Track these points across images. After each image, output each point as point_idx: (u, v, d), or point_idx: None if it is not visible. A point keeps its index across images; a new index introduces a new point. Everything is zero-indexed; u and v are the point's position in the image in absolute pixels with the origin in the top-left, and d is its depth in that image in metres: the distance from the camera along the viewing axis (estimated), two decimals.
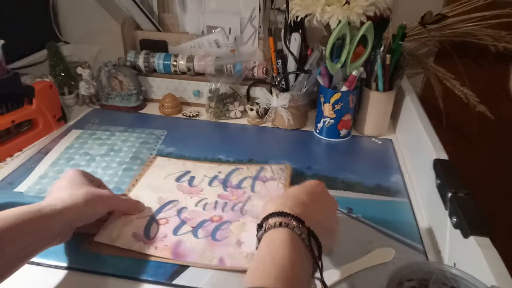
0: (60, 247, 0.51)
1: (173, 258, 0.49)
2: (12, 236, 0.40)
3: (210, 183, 0.64)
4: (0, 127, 0.71)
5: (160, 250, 0.50)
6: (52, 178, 0.66)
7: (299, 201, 0.43)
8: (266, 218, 0.41)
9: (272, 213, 0.41)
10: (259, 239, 0.41)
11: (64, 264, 0.49)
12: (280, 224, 0.39)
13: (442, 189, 0.53)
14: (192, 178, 0.65)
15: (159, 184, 0.64)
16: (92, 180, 0.54)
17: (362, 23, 0.69)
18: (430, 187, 0.57)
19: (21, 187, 0.64)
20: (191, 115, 0.89)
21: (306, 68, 0.79)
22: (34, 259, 0.49)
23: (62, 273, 0.48)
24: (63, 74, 0.91)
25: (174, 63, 0.89)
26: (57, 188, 0.50)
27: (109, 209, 0.53)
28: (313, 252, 0.39)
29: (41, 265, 0.49)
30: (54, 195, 0.48)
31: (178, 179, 0.65)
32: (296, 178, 0.67)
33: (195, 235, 0.53)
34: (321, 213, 0.45)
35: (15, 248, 0.41)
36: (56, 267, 0.49)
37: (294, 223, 0.39)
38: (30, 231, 0.42)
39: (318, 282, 0.40)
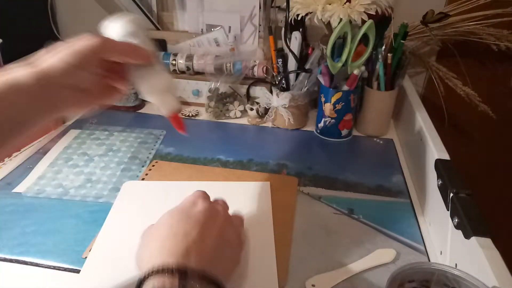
0: (60, 247, 0.51)
1: None
2: None
3: None
4: None
5: None
6: (51, 178, 0.65)
7: (179, 238, 0.38)
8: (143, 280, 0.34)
9: (150, 273, 0.34)
10: None
11: (64, 265, 0.49)
12: None
13: (443, 190, 0.53)
14: None
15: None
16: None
17: (363, 22, 0.68)
18: (431, 187, 0.57)
19: (20, 188, 0.63)
20: (191, 114, 0.88)
21: (307, 67, 0.78)
22: (34, 259, 0.49)
23: (62, 273, 0.48)
24: None
25: (173, 62, 0.89)
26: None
27: (98, 64, 0.41)
28: None
29: (40, 266, 0.49)
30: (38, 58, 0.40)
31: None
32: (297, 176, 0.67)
33: None
34: (211, 241, 0.40)
35: None
36: (55, 267, 0.49)
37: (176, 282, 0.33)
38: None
39: None
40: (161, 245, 0.38)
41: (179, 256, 0.36)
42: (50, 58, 0.39)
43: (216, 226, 0.42)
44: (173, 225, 0.41)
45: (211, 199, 0.49)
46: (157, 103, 0.48)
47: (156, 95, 0.47)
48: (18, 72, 0.38)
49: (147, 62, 0.44)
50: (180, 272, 0.34)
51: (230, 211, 0.49)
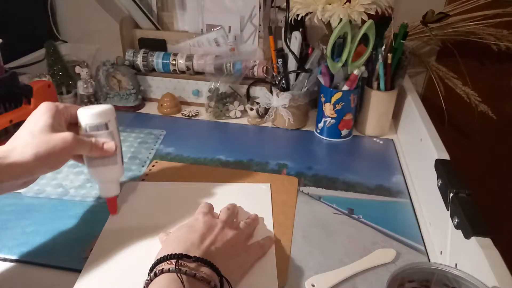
0: (60, 247, 0.51)
1: None
2: None
3: None
4: None
5: None
6: (51, 178, 0.65)
7: (180, 243, 0.44)
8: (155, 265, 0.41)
9: (153, 264, 0.42)
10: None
11: (64, 265, 0.49)
12: (162, 271, 0.39)
13: (443, 190, 0.53)
14: None
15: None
16: (63, 113, 0.49)
17: (363, 22, 0.68)
18: (431, 187, 0.57)
19: None
20: (191, 114, 0.88)
21: (307, 67, 0.78)
22: (34, 259, 0.49)
23: (62, 273, 0.48)
24: (61, 74, 0.91)
25: (173, 62, 0.89)
26: (23, 128, 0.47)
27: (68, 159, 0.49)
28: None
29: (40, 266, 0.49)
30: (14, 139, 0.46)
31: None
32: (298, 176, 0.67)
33: None
34: (209, 244, 0.45)
35: None
36: (55, 267, 0.49)
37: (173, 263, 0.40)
38: None
39: None
40: (165, 251, 0.43)
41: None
42: (23, 152, 0.44)
43: (215, 233, 0.46)
44: (178, 236, 0.46)
45: (217, 201, 0.55)
46: (101, 187, 0.54)
47: (103, 182, 0.54)
48: None
49: (109, 155, 0.51)
50: (177, 257, 0.40)
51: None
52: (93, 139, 0.50)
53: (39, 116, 0.47)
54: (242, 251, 0.48)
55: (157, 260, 0.41)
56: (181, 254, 0.41)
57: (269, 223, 0.56)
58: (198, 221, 0.48)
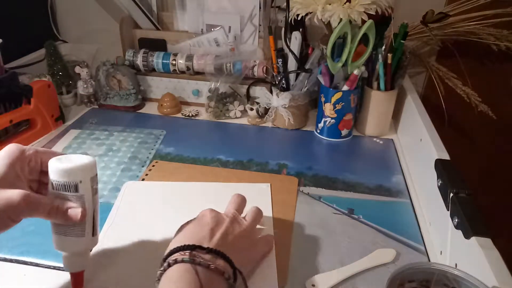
0: None
1: None
2: None
3: None
4: None
5: None
6: None
7: (191, 236, 0.43)
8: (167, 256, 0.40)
9: (165, 256, 0.41)
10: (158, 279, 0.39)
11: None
12: (176, 261, 0.38)
13: (443, 190, 0.53)
14: None
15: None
16: (30, 161, 0.42)
17: (363, 22, 0.68)
18: (431, 187, 0.57)
19: None
20: (191, 114, 0.88)
21: (307, 67, 0.78)
22: (34, 259, 0.49)
23: (62, 273, 0.48)
24: (61, 74, 0.91)
25: (173, 62, 0.89)
26: None
27: (16, 222, 0.39)
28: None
29: (40, 266, 0.49)
30: None
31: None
32: (298, 176, 0.67)
33: None
34: (220, 238, 0.44)
35: None
36: (55, 267, 0.49)
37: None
38: None
39: None
40: (177, 242, 0.42)
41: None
42: None
43: (224, 227, 0.45)
44: (187, 230, 0.45)
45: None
46: (63, 257, 0.43)
47: (68, 254, 0.43)
48: None
49: (73, 224, 0.41)
50: (190, 248, 0.40)
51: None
52: (56, 202, 0.40)
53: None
54: (251, 245, 0.48)
55: (170, 251, 0.40)
56: (194, 245, 0.40)
57: (269, 223, 0.56)
58: (205, 217, 0.47)
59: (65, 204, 0.40)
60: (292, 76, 0.80)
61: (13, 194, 0.37)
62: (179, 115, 0.89)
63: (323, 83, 0.77)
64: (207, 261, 0.39)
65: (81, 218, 0.40)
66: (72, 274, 0.43)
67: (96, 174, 0.43)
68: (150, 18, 0.92)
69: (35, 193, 0.39)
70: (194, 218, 0.48)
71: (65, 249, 0.42)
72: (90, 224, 0.42)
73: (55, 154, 0.43)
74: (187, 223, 0.47)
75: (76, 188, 0.40)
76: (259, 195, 0.62)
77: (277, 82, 0.80)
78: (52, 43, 0.91)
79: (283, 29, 0.78)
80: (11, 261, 0.49)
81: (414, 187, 0.66)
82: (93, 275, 0.47)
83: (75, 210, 0.40)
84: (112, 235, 0.53)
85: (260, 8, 0.86)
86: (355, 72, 0.73)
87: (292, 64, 0.79)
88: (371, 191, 0.64)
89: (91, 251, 0.47)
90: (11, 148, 0.40)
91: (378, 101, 0.79)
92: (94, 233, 0.43)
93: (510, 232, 1.07)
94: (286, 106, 0.80)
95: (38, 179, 0.43)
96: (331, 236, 0.54)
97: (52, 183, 0.40)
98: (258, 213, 0.53)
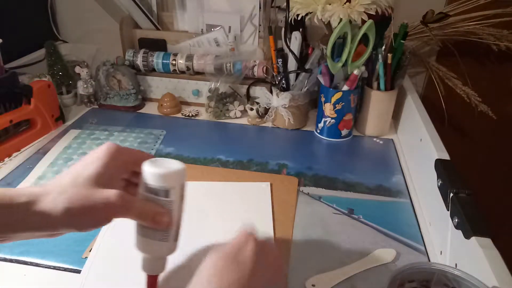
0: (60, 247, 0.51)
1: None
2: None
3: None
4: None
5: None
6: (51, 178, 0.65)
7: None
8: None
9: None
10: None
11: (64, 265, 0.49)
12: None
13: (443, 190, 0.53)
14: None
15: None
16: (123, 161, 0.41)
17: (363, 22, 0.68)
18: (431, 187, 0.57)
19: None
20: (191, 114, 0.88)
21: (307, 67, 0.78)
22: (34, 259, 0.49)
23: (62, 273, 0.48)
24: (61, 74, 0.91)
25: (173, 62, 0.89)
26: (73, 167, 0.39)
27: (107, 223, 0.38)
28: None
29: (40, 266, 0.49)
30: (57, 178, 0.38)
31: None
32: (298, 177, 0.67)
33: None
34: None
35: None
36: (55, 267, 0.49)
37: None
38: None
39: None
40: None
41: None
42: (54, 201, 0.36)
43: (263, 263, 0.39)
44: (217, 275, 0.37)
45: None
46: (143, 259, 0.43)
47: (149, 256, 0.43)
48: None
49: (160, 228, 0.40)
50: None
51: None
52: (147, 205, 0.39)
53: (93, 160, 0.39)
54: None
55: None
56: None
57: (268, 222, 0.56)
58: (245, 251, 0.39)
59: (155, 208, 0.39)
60: (292, 76, 0.80)
61: (110, 194, 0.37)
62: (179, 115, 0.89)
63: (323, 83, 0.77)
64: None
65: (168, 224, 0.40)
66: (149, 276, 0.43)
67: (186, 182, 0.42)
68: (150, 18, 0.91)
69: (129, 194, 0.39)
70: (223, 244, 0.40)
71: (147, 251, 0.42)
72: (174, 231, 0.42)
73: (147, 155, 0.42)
74: (219, 255, 0.38)
75: (167, 194, 0.40)
76: (259, 194, 0.62)
77: (277, 82, 0.80)
78: (52, 43, 0.91)
79: (283, 29, 0.77)
80: (11, 261, 0.49)
81: (414, 187, 0.66)
82: (90, 278, 0.47)
83: (163, 215, 0.40)
84: (112, 235, 0.53)
85: (260, 8, 0.86)
86: (355, 72, 0.73)
87: (292, 64, 0.79)
88: (371, 191, 0.64)
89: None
90: (109, 147, 0.40)
91: (378, 101, 0.79)
92: (176, 239, 0.43)
93: (510, 232, 1.07)
94: (286, 106, 0.80)
95: (127, 179, 0.42)
96: (331, 236, 0.54)
97: (144, 186, 0.40)
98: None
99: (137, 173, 0.41)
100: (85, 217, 0.36)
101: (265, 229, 0.55)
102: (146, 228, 0.40)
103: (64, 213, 0.35)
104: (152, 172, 0.39)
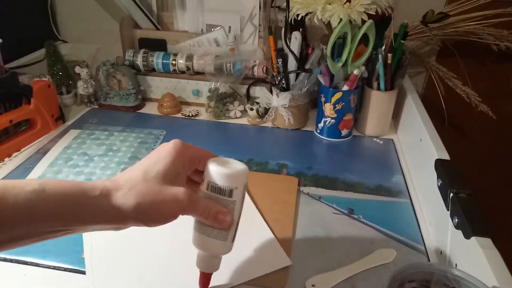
0: (60, 247, 0.51)
1: None
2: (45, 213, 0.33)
3: None
4: None
5: None
6: (50, 178, 0.65)
7: None
8: None
9: None
10: None
11: (64, 265, 0.49)
12: None
13: (443, 190, 0.53)
14: None
15: None
16: (189, 159, 0.41)
17: (363, 22, 0.68)
18: (431, 187, 0.57)
19: None
20: (191, 114, 0.88)
21: (307, 67, 0.78)
22: (34, 259, 0.49)
23: (62, 273, 0.48)
24: (61, 74, 0.91)
25: (173, 62, 0.89)
26: (142, 161, 0.39)
27: (171, 220, 0.38)
28: None
29: (40, 266, 0.49)
30: (128, 171, 0.39)
31: None
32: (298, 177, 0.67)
33: None
34: None
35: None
36: (55, 267, 0.49)
37: None
38: (65, 214, 0.34)
39: None
40: None
41: None
42: (125, 196, 0.36)
43: None
44: None
45: None
46: (199, 257, 0.43)
47: (206, 254, 0.43)
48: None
49: (221, 228, 0.41)
50: None
51: None
52: (210, 204, 0.40)
53: (163, 156, 0.39)
54: None
55: None
56: None
57: (253, 211, 0.56)
58: None
59: (218, 207, 0.40)
60: (292, 76, 0.80)
61: (179, 191, 0.38)
62: (179, 115, 0.89)
63: (323, 83, 0.77)
64: None
65: (229, 224, 0.41)
66: (203, 274, 0.44)
67: (247, 183, 0.43)
68: (150, 18, 0.91)
69: (194, 193, 0.39)
70: None
71: (205, 249, 0.43)
72: (233, 231, 0.43)
73: (210, 154, 0.43)
74: None
75: (230, 194, 0.41)
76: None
77: (277, 82, 0.80)
78: (52, 43, 0.91)
79: (283, 29, 0.77)
80: (11, 261, 0.49)
81: (414, 187, 0.66)
82: (92, 277, 0.47)
83: (225, 216, 0.40)
84: (112, 234, 0.53)
85: (260, 8, 0.86)
86: (355, 72, 0.73)
87: (292, 64, 0.79)
88: (371, 191, 0.64)
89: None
90: (176, 144, 0.40)
91: (378, 101, 0.79)
92: (233, 239, 0.43)
93: (510, 232, 1.07)
94: (286, 106, 0.80)
95: (189, 176, 0.43)
96: (331, 236, 0.54)
97: (208, 184, 0.41)
98: None
99: (198, 171, 0.42)
100: (153, 213, 0.37)
101: (263, 227, 0.55)
102: (205, 225, 0.41)
103: (134, 208, 0.35)
104: (218, 171, 0.40)
